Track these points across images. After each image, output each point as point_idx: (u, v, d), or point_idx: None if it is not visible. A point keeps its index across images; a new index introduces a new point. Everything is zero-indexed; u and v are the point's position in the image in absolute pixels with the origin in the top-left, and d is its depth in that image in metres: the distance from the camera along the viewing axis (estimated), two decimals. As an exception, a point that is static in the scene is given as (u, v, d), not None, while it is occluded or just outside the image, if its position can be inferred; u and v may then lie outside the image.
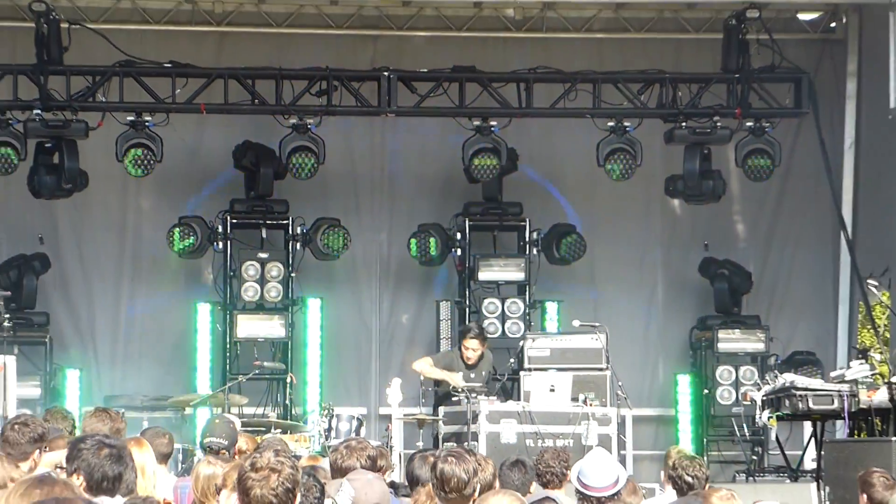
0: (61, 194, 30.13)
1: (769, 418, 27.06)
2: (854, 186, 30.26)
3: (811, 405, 25.78)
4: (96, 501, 10.99)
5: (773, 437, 27.56)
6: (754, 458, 27.42)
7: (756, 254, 31.61)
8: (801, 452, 27.00)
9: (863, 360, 26.71)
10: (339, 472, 14.40)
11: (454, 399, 26.18)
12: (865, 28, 29.91)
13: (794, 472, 26.28)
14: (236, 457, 17.41)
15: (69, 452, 12.47)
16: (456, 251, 31.20)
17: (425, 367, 26.79)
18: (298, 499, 12.45)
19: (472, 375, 26.82)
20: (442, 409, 26.05)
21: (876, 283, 27.25)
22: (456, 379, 25.93)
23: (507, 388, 27.77)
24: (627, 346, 29.23)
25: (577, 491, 14.87)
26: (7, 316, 27.85)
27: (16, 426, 13.82)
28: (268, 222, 30.90)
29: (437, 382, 27.36)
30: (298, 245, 30.81)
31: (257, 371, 29.27)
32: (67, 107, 29.90)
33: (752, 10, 29.92)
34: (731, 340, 30.25)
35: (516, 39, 31.83)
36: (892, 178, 27.26)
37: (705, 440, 29.70)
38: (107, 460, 12.05)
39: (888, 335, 26.75)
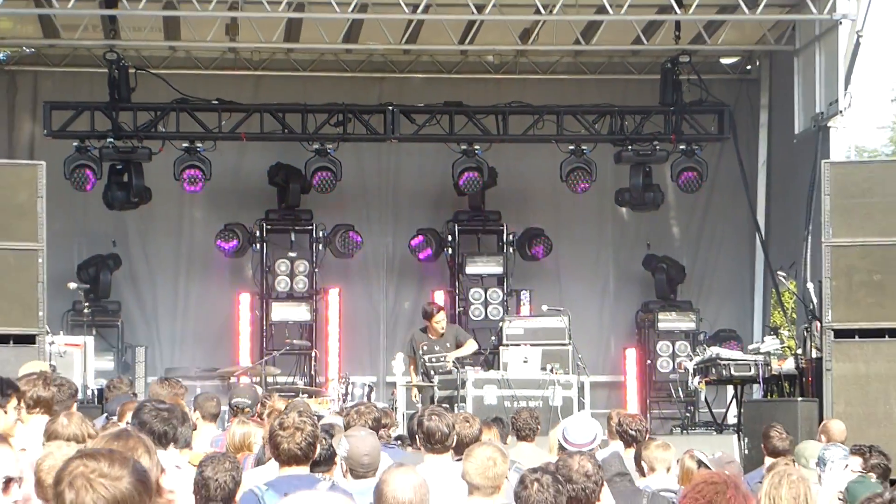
0: (130, 206, 30.25)
1: (699, 383, 27.23)
2: (766, 197, 30.46)
3: (733, 372, 26.03)
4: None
5: (702, 398, 27.67)
6: (687, 415, 27.56)
7: (688, 251, 31.73)
8: (724, 410, 27.11)
9: (774, 336, 27.03)
10: (350, 430, 14.47)
11: (447, 370, 26.39)
12: (774, 70, 30.15)
13: (719, 427, 26.54)
14: (259, 417, 17.62)
15: (133, 413, 12.56)
16: (448, 250, 31.29)
17: (411, 375, 27.01)
18: (318, 450, 12.56)
19: (447, 344, 26.97)
20: (437, 378, 26.16)
21: (784, 275, 27.44)
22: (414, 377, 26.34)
23: (490, 360, 27.95)
24: (585, 326, 29.26)
25: (561, 445, 15.07)
26: (86, 304, 28.14)
27: (54, 386, 13.75)
28: (296, 228, 31.06)
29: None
30: (321, 246, 30.94)
31: (287, 347, 29.72)
32: (134, 136, 30.04)
33: (684, 55, 30.08)
34: (668, 321, 30.51)
35: (495, 80, 31.99)
36: (796, 191, 27.45)
37: (648, 401, 29.80)
38: (157, 420, 12.15)
39: (794, 316, 27.03)
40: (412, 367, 26.80)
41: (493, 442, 14.06)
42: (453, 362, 26.50)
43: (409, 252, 31.75)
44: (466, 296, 30.80)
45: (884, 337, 22.30)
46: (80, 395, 17.55)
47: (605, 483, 11.65)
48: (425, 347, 26.73)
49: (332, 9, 26.37)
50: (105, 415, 15.41)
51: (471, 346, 27.00)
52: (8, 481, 7.46)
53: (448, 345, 26.80)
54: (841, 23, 26.51)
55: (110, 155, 29.91)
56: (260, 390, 23.82)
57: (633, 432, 17.65)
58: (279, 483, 11.91)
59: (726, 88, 31.52)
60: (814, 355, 23.45)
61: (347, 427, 14.75)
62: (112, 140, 29.91)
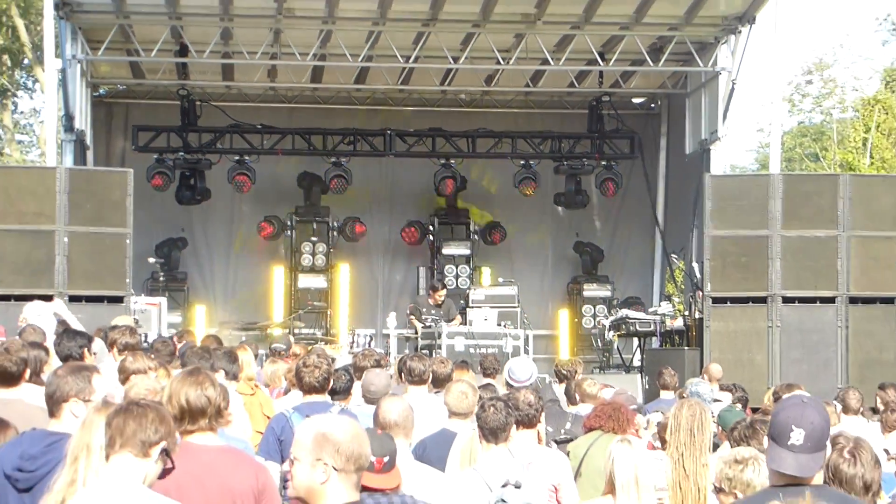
0: (194, 202, 30.33)
1: (613, 336, 27.41)
2: (664, 200, 30.62)
3: (637, 328, 26.39)
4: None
5: (615, 347, 27.76)
6: (604, 359, 27.57)
7: (606, 239, 31.81)
8: (631, 356, 27.21)
9: (668, 302, 27.31)
10: (357, 369, 14.56)
11: (427, 325, 26.64)
12: (671, 108, 30.42)
13: (627, 368, 26.75)
14: (289, 359, 17.50)
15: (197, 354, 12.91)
16: (429, 237, 31.45)
17: (415, 321, 27.29)
18: (332, 383, 12.84)
19: (440, 311, 27.18)
20: (420, 331, 26.46)
21: (676, 257, 27.91)
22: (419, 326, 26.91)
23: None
24: (530, 293, 29.44)
25: (506, 382, 15.18)
26: (161, 274, 28.80)
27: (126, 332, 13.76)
28: (316, 219, 31.08)
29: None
30: (335, 233, 31.07)
31: (309, 307, 29.84)
32: (199, 151, 30.13)
33: (605, 96, 30.25)
34: (591, 290, 30.68)
35: (466, 112, 31.96)
36: (685, 196, 27.63)
37: (575, 349, 29.82)
38: (198, 359, 12.40)
39: (682, 287, 27.21)
40: (414, 318, 27.26)
41: (465, 380, 14.25)
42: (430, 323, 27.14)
43: (401, 238, 31.88)
44: (442, 270, 30.86)
45: (748, 303, 22.70)
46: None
47: (543, 409, 11.93)
48: (424, 310, 27.10)
49: (346, 58, 26.63)
50: (180, 360, 15.60)
51: (457, 321, 27.24)
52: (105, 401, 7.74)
53: (441, 312, 27.17)
54: (720, 73, 26.78)
55: (181, 165, 29.96)
56: (292, 339, 24.04)
57: (565, 372, 18.10)
58: (302, 408, 12.20)
59: (636, 121, 31.60)
60: (696, 316, 23.91)
61: (355, 367, 14.98)
62: (182, 154, 30.02)
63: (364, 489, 8.39)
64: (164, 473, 7.39)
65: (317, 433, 6.13)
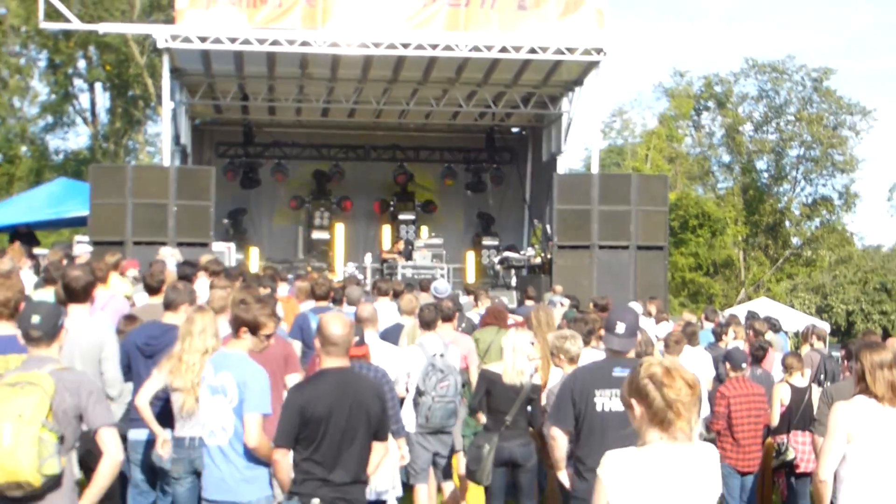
0: (251, 188, 30.27)
1: (499, 268, 27.51)
2: (530, 188, 30.21)
3: (513, 264, 26.52)
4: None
5: (501, 274, 27.77)
6: (493, 282, 27.51)
7: (496, 211, 31.43)
8: (510, 280, 27.21)
9: (532, 248, 27.12)
10: (345, 286, 14.65)
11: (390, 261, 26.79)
12: (534, 134, 29.90)
13: (507, 287, 26.44)
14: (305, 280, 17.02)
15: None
16: (391, 208, 31.41)
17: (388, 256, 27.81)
18: (334, 295, 12.88)
19: (399, 253, 27.40)
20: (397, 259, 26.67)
21: (537, 221, 27.81)
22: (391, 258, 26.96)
23: (408, 257, 28.09)
24: (451, 243, 29.18)
25: (433, 294, 14.95)
26: (231, 229, 28.63)
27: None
28: (323, 198, 30.91)
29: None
30: (334, 206, 30.94)
31: (319, 252, 29.83)
32: (254, 157, 30.13)
33: (496, 127, 30.42)
34: (486, 241, 30.08)
35: (413, 135, 31.90)
36: (542, 185, 27.64)
37: (476, 276, 29.43)
38: (253, 281, 12.45)
39: (540, 239, 26.95)
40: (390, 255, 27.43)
41: (416, 294, 14.40)
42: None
43: (373, 209, 31.60)
44: (398, 229, 30.61)
45: (578, 249, 22.81)
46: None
47: (457, 312, 12.09)
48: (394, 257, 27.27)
49: (342, 102, 26.70)
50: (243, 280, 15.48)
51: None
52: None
53: (400, 254, 27.94)
54: (563, 114, 26.91)
55: (243, 165, 29.99)
56: (310, 268, 24.08)
57: (471, 290, 18.44)
58: (316, 309, 12.44)
59: (514, 141, 31.58)
60: (548, 257, 23.78)
61: (344, 285, 15.12)
62: (244, 158, 30.07)
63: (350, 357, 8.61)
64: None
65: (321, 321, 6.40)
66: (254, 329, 6.76)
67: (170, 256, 15.25)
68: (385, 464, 8.14)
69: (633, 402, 4.15)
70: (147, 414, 7.64)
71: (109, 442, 5.46)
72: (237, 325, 6.80)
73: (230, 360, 6.71)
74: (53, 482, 5.24)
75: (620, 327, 7.22)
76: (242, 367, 6.63)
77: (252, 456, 6.48)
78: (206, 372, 6.81)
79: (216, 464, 6.58)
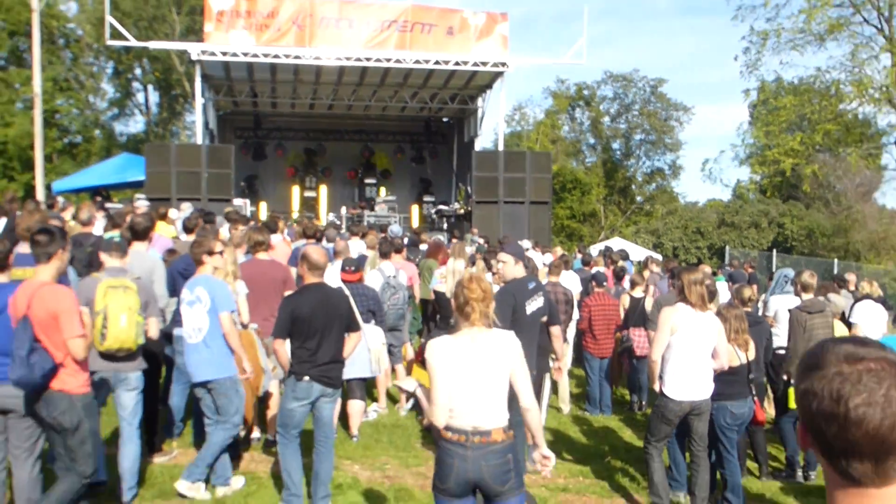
0: (260, 160, 29.70)
1: (435, 216, 27.03)
2: (456, 161, 29.58)
3: (445, 214, 26.17)
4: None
5: (436, 222, 27.45)
6: (431, 227, 27.20)
7: (434, 176, 30.88)
8: (444, 226, 26.91)
9: (458, 203, 26.69)
10: (326, 229, 14.53)
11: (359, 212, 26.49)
12: (459, 122, 29.39)
13: (442, 230, 25.73)
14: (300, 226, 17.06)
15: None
16: (359, 176, 30.82)
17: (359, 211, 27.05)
18: (318, 234, 12.59)
19: (365, 207, 27.06)
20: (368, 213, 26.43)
21: (461, 185, 27.34)
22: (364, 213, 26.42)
23: (372, 209, 27.71)
24: (401, 199, 28.83)
25: (389, 235, 14.76)
26: (246, 190, 27.81)
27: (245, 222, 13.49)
28: (311, 168, 30.57)
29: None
30: (320, 173, 30.44)
31: (308, 205, 29.35)
32: (262, 138, 29.42)
33: (432, 118, 29.97)
34: (426, 198, 29.21)
35: (375, 122, 31.20)
36: (465, 159, 27.36)
37: (419, 223, 28.96)
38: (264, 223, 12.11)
39: (464, 196, 26.59)
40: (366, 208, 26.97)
41: (377, 234, 14.26)
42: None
43: (346, 176, 30.95)
44: (364, 190, 30.13)
45: (490, 203, 22.83)
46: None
47: (405, 246, 12.00)
48: (361, 208, 26.86)
49: (323, 100, 26.14)
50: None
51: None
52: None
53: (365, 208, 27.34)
54: (477, 109, 26.79)
55: (254, 144, 29.49)
56: (304, 218, 23.72)
57: (417, 232, 18.09)
58: (305, 246, 11.93)
59: (444, 128, 30.97)
60: (470, 209, 23.65)
61: (326, 229, 14.97)
62: (255, 139, 29.57)
63: (344, 281, 8.53)
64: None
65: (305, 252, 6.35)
66: (209, 255, 6.80)
67: (183, 209, 14.93)
68: (361, 355, 8.17)
69: (452, 301, 4.25)
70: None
71: (154, 327, 6.44)
72: (198, 256, 6.82)
73: (201, 280, 6.70)
74: (139, 347, 6.18)
75: (510, 255, 7.10)
76: (210, 282, 6.66)
77: (220, 347, 6.47)
78: (183, 293, 6.75)
79: (194, 355, 6.56)
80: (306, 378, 6.01)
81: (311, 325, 5.98)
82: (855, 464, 1.40)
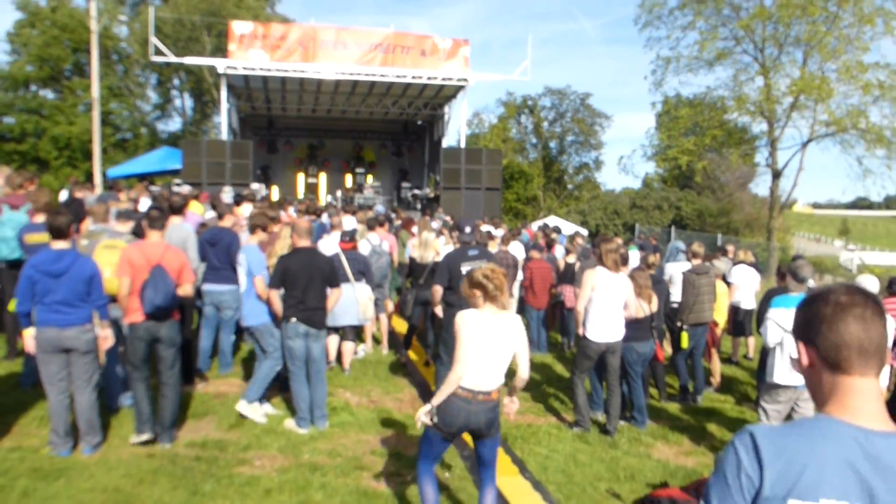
0: (273, 153, 29.04)
1: (412, 198, 26.67)
2: (429, 155, 29.17)
3: (420, 197, 25.42)
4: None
5: (412, 202, 27.09)
6: (407, 208, 26.91)
7: (410, 168, 30.33)
8: (419, 209, 26.62)
9: (429, 188, 26.31)
10: (325, 209, 14.27)
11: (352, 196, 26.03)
12: (431, 125, 28.84)
13: (416, 210, 25.42)
14: (303, 205, 16.66)
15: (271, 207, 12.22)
16: (353, 166, 30.18)
17: (351, 194, 26.48)
18: (317, 209, 12.23)
19: (355, 192, 26.67)
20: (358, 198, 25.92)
21: (432, 174, 27.13)
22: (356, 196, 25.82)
23: (361, 190, 27.35)
24: (384, 186, 28.67)
25: (375, 215, 14.34)
26: (261, 176, 27.05)
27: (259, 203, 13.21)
28: (314, 160, 29.89)
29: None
30: (321, 164, 29.83)
31: (310, 189, 28.79)
32: (274, 135, 28.69)
33: (409, 121, 29.54)
34: (404, 186, 28.58)
35: (365, 123, 30.59)
36: (435, 154, 26.86)
37: (398, 205, 28.84)
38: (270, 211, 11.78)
39: (435, 183, 26.23)
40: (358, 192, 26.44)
41: (366, 212, 14.01)
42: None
43: (341, 165, 30.24)
44: (356, 178, 29.46)
45: (455, 190, 22.60)
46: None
47: (386, 220, 11.75)
48: (353, 192, 26.36)
49: (324, 106, 25.57)
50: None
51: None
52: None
53: (355, 192, 26.68)
54: (444, 114, 26.55)
55: (268, 140, 28.85)
56: (310, 198, 23.31)
57: (394, 211, 17.65)
58: (298, 219, 11.65)
59: (418, 129, 30.40)
60: (439, 193, 23.30)
61: (324, 207, 14.71)
62: (268, 137, 28.95)
63: (342, 249, 8.39)
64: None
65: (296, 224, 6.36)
66: (263, 228, 6.94)
67: (227, 192, 14.75)
68: (352, 306, 8.08)
69: (474, 291, 4.17)
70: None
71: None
72: (253, 227, 6.86)
73: (245, 248, 6.75)
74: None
75: (467, 229, 7.14)
76: (249, 249, 6.66)
77: (254, 301, 6.51)
78: (239, 257, 6.79)
79: (242, 303, 6.68)
80: (293, 319, 6.06)
81: (298, 279, 6.05)
82: (844, 355, 1.61)
